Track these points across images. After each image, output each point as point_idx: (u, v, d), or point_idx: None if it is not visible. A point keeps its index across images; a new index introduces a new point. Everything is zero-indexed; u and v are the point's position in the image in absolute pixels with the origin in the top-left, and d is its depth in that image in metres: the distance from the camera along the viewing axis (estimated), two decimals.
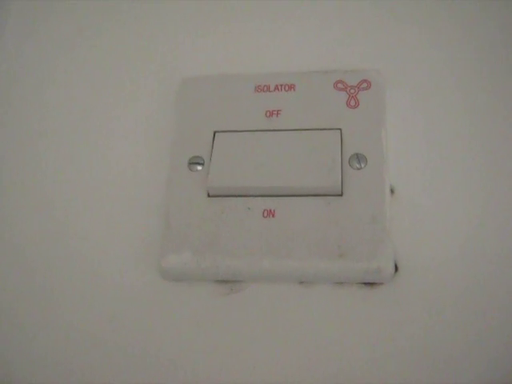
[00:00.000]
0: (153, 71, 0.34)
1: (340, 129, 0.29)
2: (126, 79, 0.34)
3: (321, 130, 0.29)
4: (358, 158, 0.28)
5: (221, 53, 0.33)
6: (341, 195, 0.28)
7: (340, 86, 0.30)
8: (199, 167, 0.29)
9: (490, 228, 0.28)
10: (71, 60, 0.35)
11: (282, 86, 0.30)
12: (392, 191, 0.29)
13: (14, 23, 0.37)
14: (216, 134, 0.30)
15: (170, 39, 0.34)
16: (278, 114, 0.30)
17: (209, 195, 0.29)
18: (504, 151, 0.29)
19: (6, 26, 0.36)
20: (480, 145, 0.29)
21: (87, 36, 0.36)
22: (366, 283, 0.27)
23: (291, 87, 0.30)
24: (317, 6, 0.33)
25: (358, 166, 0.28)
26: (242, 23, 0.34)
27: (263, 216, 0.28)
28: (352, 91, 0.30)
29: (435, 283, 0.27)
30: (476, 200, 0.28)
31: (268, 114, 0.30)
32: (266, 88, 0.30)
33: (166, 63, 0.34)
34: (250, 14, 0.34)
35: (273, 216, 0.28)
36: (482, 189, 0.29)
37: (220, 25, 0.34)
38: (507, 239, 0.28)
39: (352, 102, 0.29)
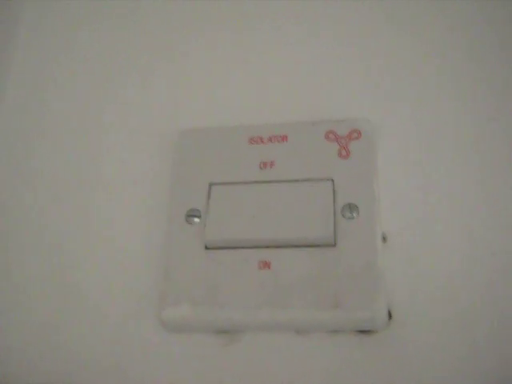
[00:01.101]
0: (150, 123, 0.35)
1: (332, 179, 0.30)
2: (123, 131, 0.35)
3: (313, 180, 0.30)
4: (350, 208, 0.29)
5: (215, 104, 0.34)
6: (334, 245, 0.29)
7: (331, 136, 0.31)
8: (196, 219, 0.30)
9: (484, 274, 0.29)
10: (66, 113, 0.36)
11: (274, 137, 0.31)
12: (384, 239, 0.30)
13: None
14: (212, 187, 0.31)
15: (168, 91, 0.35)
16: (271, 165, 0.31)
17: (206, 247, 0.29)
18: (498, 195, 0.30)
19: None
20: (473, 191, 0.30)
21: (84, 89, 0.37)
22: (360, 331, 0.28)
23: (284, 138, 0.31)
24: (306, 55, 0.35)
25: (350, 215, 0.29)
26: (236, 74, 0.35)
27: (259, 267, 0.29)
28: (343, 141, 0.30)
29: (429, 329, 0.28)
30: (469, 246, 0.29)
31: (262, 165, 0.31)
32: (259, 140, 0.31)
33: (163, 115, 0.35)
34: (244, 65, 0.35)
35: (268, 268, 0.29)
36: (475, 234, 0.29)
37: (214, 77, 0.35)
38: (502, 284, 0.28)
39: (343, 153, 0.30)
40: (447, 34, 0.34)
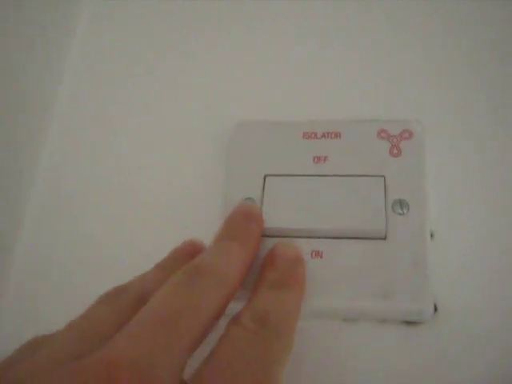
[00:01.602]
0: (206, 113, 0.36)
1: (383, 176, 0.31)
2: (180, 120, 0.36)
3: (365, 176, 0.31)
4: (401, 203, 0.30)
5: (271, 98, 0.36)
6: (384, 239, 0.30)
7: (383, 134, 0.32)
8: None
9: None
10: (124, 101, 0.38)
11: (328, 133, 0.32)
12: (432, 235, 0.31)
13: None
14: (266, 178, 0.32)
15: (224, 83, 0.37)
16: (324, 160, 0.32)
17: (261, 235, 0.31)
18: None
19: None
20: None
21: (141, 75, 0.39)
22: (407, 322, 0.29)
23: (337, 135, 0.32)
24: (359, 55, 0.36)
25: (400, 211, 0.30)
26: (292, 70, 0.37)
27: (311, 257, 0.30)
28: (394, 140, 0.32)
29: (472, 323, 0.29)
30: None
31: (315, 159, 0.32)
32: (313, 135, 0.33)
33: (219, 106, 0.36)
34: (300, 62, 0.37)
35: (320, 257, 0.30)
36: None
37: (269, 71, 0.37)
38: None
39: (395, 151, 0.31)
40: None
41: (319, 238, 0.30)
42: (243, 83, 0.37)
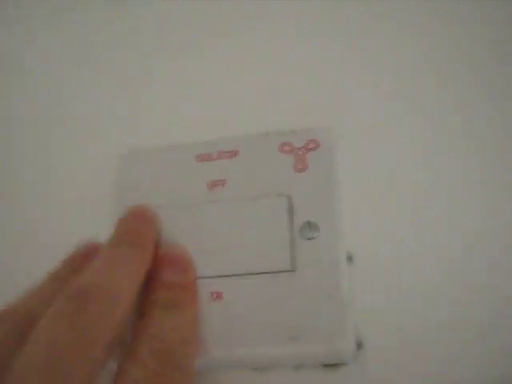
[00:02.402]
0: (94, 144, 0.32)
1: (288, 195, 0.27)
2: (66, 152, 0.32)
3: (267, 197, 0.27)
4: (310, 226, 0.26)
5: (162, 122, 0.31)
6: (292, 270, 0.26)
7: (286, 148, 0.28)
8: None
9: (459, 295, 0.26)
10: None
11: (224, 153, 0.28)
12: (350, 259, 0.27)
13: None
14: (157, 210, 0.28)
15: (111, 111, 0.33)
16: (222, 184, 0.28)
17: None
18: (462, 208, 0.27)
19: None
20: (441, 201, 0.27)
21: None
22: (326, 365, 0.25)
23: (234, 154, 0.28)
24: (256, 57, 0.32)
25: (309, 235, 0.26)
26: (178, 88, 0.32)
27: (211, 299, 0.26)
28: (299, 153, 0.27)
29: (405, 358, 0.25)
30: (443, 263, 0.26)
31: (211, 185, 0.28)
32: (207, 157, 0.28)
33: (108, 135, 0.32)
34: (185, 77, 0.32)
35: (220, 299, 0.26)
36: (446, 250, 0.26)
37: (158, 93, 0.32)
38: (470, 310, 0.25)
39: (299, 165, 0.27)
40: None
41: (218, 276, 0.26)
42: (129, 110, 0.32)
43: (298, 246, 0.26)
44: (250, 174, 0.28)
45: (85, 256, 0.26)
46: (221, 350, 0.25)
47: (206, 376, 0.26)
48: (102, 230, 0.28)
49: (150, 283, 0.25)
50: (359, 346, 0.25)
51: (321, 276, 0.25)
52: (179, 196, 0.28)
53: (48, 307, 0.21)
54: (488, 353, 0.25)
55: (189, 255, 0.26)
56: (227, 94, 0.31)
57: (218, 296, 0.26)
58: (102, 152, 0.31)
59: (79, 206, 0.31)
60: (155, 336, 0.23)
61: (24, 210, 0.32)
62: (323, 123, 0.28)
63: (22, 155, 0.33)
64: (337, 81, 0.30)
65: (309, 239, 0.26)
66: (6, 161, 0.34)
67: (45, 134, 0.33)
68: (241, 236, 0.26)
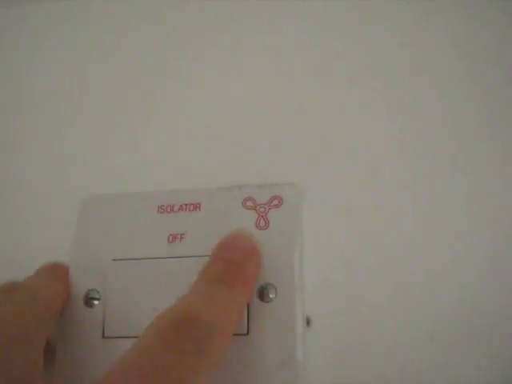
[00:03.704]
0: (56, 189, 0.31)
1: None
2: (30, 193, 0.32)
3: None
4: (267, 288, 0.25)
5: (126, 169, 0.31)
6: (246, 334, 0.25)
7: (249, 204, 0.27)
8: (96, 302, 0.27)
9: (422, 360, 0.25)
10: None
11: (186, 205, 0.28)
12: (308, 323, 0.26)
13: None
14: (113, 263, 0.27)
15: (75, 155, 0.32)
16: (181, 238, 0.27)
17: (103, 337, 0.26)
18: (441, 259, 0.26)
19: None
20: (408, 265, 0.26)
21: None
22: None
23: (196, 207, 0.27)
24: (223, 112, 0.31)
25: (266, 298, 0.25)
26: (144, 137, 0.31)
27: None
28: (262, 210, 0.27)
29: None
30: (408, 327, 0.25)
31: (171, 238, 0.27)
32: (169, 208, 0.28)
33: (70, 180, 0.31)
34: (150, 127, 0.32)
35: None
36: (415, 315, 0.25)
37: (121, 140, 0.32)
38: (439, 367, 0.24)
39: (262, 223, 0.26)
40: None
41: None
42: (95, 155, 0.32)
43: (253, 308, 0.25)
44: (210, 229, 0.27)
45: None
46: None
47: None
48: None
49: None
50: None
51: (275, 340, 0.24)
52: (138, 249, 0.27)
53: None
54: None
55: (257, 244, 0.25)
56: (192, 143, 0.30)
57: None
58: (67, 193, 0.31)
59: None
60: (184, 308, 0.21)
61: None
62: (289, 178, 0.28)
63: None
64: (304, 134, 0.29)
65: (266, 301, 0.25)
66: None
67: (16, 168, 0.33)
68: None
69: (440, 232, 0.26)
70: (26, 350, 0.22)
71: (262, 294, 0.25)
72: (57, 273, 0.27)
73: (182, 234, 0.27)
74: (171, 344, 0.20)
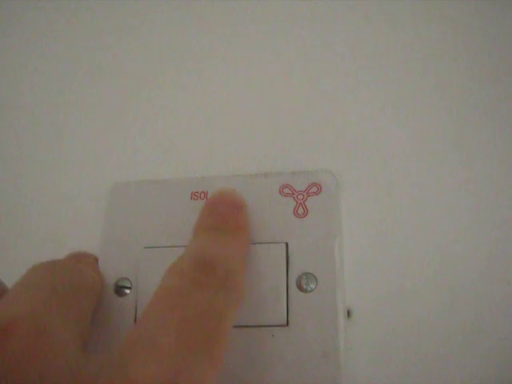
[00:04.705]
0: (85, 176, 0.30)
1: (286, 242, 0.25)
2: (59, 182, 0.31)
3: (264, 243, 0.25)
4: (307, 278, 0.24)
5: (157, 157, 0.30)
6: (286, 325, 0.24)
7: (287, 191, 0.26)
8: (127, 291, 0.26)
9: (462, 355, 0.24)
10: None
11: None
12: (349, 314, 0.25)
13: None
14: (144, 251, 0.26)
15: (103, 143, 0.31)
16: None
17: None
18: (465, 255, 0.25)
19: None
20: (451, 248, 0.25)
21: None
22: None
23: None
24: (257, 97, 0.30)
25: (306, 288, 0.24)
26: (173, 124, 0.30)
27: None
28: (300, 197, 0.26)
29: None
30: (446, 317, 0.24)
31: None
32: (203, 195, 0.27)
33: (98, 167, 0.30)
34: (179, 115, 0.31)
35: None
36: (456, 303, 0.25)
37: (153, 127, 0.30)
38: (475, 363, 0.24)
39: (300, 210, 0.26)
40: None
41: None
42: (124, 142, 0.31)
43: (293, 298, 0.24)
44: None
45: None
46: None
47: None
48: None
49: None
50: None
51: (316, 333, 0.23)
52: (170, 237, 0.26)
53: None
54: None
55: (241, 197, 0.26)
56: (224, 130, 0.29)
57: None
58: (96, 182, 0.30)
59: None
60: (200, 252, 0.22)
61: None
62: (325, 166, 0.27)
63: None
64: (341, 122, 0.28)
65: (306, 292, 0.24)
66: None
67: (42, 161, 0.32)
68: None
69: (488, 219, 0.25)
70: (79, 314, 0.21)
71: (303, 283, 0.24)
72: (86, 260, 0.26)
73: None
74: (199, 282, 0.20)
